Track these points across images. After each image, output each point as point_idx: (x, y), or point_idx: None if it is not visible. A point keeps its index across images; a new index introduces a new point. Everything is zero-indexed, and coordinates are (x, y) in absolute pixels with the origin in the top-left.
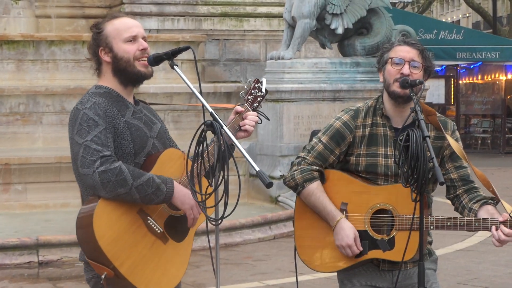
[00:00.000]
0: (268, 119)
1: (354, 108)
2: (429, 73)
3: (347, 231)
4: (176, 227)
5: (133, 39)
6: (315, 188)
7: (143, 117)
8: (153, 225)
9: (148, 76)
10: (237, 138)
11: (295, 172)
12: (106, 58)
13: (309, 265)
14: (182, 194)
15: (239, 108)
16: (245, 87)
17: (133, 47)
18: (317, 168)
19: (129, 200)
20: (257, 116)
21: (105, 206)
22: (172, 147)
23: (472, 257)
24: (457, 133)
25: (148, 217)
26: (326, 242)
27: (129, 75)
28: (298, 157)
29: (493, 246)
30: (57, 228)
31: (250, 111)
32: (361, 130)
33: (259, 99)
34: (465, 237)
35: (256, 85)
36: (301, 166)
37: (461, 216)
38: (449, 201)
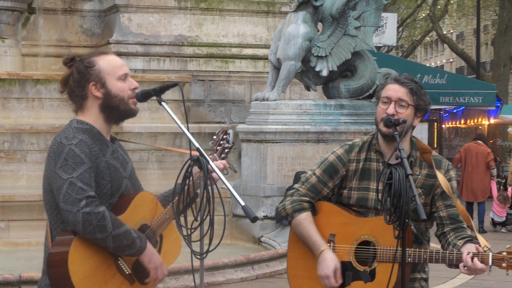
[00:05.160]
0: (236, 171)
1: (350, 143)
2: (421, 110)
3: (328, 262)
4: (143, 270)
5: (125, 77)
6: (303, 218)
7: (119, 156)
8: (122, 266)
9: (136, 113)
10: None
11: (286, 202)
12: (97, 93)
13: None
14: (151, 252)
15: None
16: (214, 137)
17: (125, 86)
18: (307, 199)
19: (102, 245)
20: (225, 166)
21: (80, 243)
22: (140, 188)
23: None
24: (451, 172)
25: (119, 258)
26: (315, 272)
27: (119, 113)
28: (292, 188)
29: None
30: (40, 265)
31: (217, 160)
32: (354, 164)
33: (226, 150)
34: (446, 279)
35: (224, 137)
36: (293, 197)
37: (437, 250)
38: None
